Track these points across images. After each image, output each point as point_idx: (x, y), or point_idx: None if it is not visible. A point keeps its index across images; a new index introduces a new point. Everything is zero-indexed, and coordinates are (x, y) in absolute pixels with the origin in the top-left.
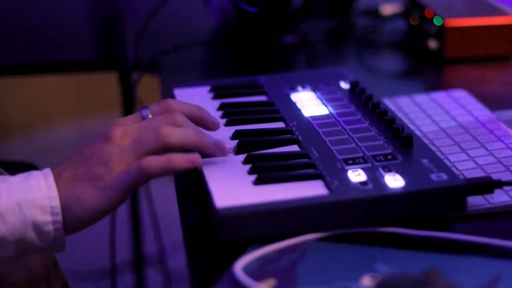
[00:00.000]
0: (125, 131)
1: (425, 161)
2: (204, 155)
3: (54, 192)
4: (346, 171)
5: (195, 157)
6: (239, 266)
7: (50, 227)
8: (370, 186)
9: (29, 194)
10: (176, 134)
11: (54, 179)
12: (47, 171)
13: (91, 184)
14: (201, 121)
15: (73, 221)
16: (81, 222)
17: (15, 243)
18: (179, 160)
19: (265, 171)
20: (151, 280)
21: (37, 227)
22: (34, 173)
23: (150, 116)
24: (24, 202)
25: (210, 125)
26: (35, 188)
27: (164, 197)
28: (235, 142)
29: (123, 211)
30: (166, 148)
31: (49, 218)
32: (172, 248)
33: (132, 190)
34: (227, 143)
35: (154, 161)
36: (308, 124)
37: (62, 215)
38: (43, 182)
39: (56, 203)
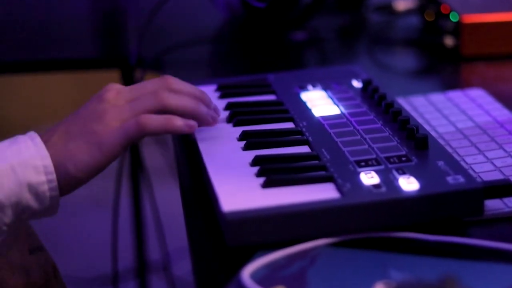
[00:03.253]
0: (119, 92)
1: (441, 163)
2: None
3: (44, 151)
4: (359, 173)
5: (194, 123)
6: (247, 272)
7: (45, 187)
8: (383, 189)
9: (20, 156)
10: (174, 98)
11: (42, 141)
12: (32, 133)
13: (84, 140)
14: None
15: (66, 179)
16: (75, 179)
17: (12, 207)
18: (178, 122)
19: (273, 174)
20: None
21: (32, 188)
22: (20, 137)
23: None
24: (17, 164)
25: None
26: (24, 149)
27: (168, 201)
28: (242, 143)
29: (125, 215)
30: (163, 111)
31: (43, 177)
32: (176, 254)
33: (127, 147)
34: (233, 143)
35: (153, 118)
36: (319, 125)
37: (56, 174)
38: (30, 143)
39: (48, 161)
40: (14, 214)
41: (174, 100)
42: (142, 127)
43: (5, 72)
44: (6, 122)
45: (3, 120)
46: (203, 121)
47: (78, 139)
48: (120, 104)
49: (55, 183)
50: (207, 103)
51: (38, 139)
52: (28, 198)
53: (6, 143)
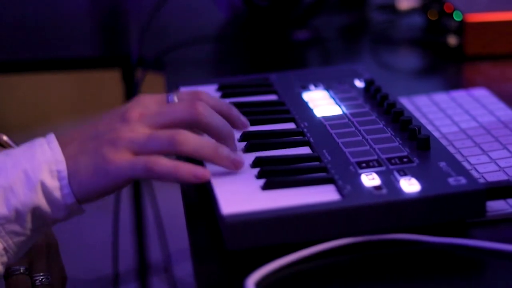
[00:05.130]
0: (143, 115)
1: (442, 164)
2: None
3: (60, 156)
4: (360, 175)
5: (204, 173)
6: (252, 281)
7: (58, 193)
8: (384, 191)
9: (34, 161)
10: (191, 143)
11: (59, 146)
12: (51, 136)
13: (94, 162)
14: (230, 120)
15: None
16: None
17: (30, 213)
18: (186, 172)
19: (274, 175)
20: None
21: (46, 192)
22: (37, 140)
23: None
24: (30, 168)
25: (238, 125)
26: (39, 153)
27: (169, 202)
28: (243, 144)
29: (126, 216)
30: (177, 154)
31: (56, 183)
32: (178, 255)
33: (132, 181)
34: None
35: (161, 164)
36: (320, 125)
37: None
38: (47, 147)
39: (63, 166)
40: (34, 221)
41: (189, 147)
42: (149, 171)
43: (5, 72)
44: (6, 122)
45: (3, 120)
46: (223, 167)
47: (90, 158)
48: (137, 131)
49: (68, 189)
50: (235, 120)
51: (55, 144)
52: (44, 203)
53: (23, 147)
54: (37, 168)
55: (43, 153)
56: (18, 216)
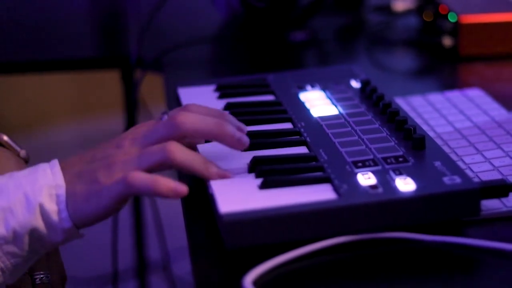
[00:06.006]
0: (134, 139)
1: (437, 163)
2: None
3: (60, 181)
4: (356, 174)
5: (182, 189)
6: (249, 279)
7: (55, 217)
8: (380, 190)
9: (35, 184)
10: (183, 153)
11: (61, 171)
12: (54, 162)
13: (89, 187)
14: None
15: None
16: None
17: (28, 234)
18: (164, 186)
19: (271, 175)
20: (155, 287)
21: (44, 215)
22: (41, 165)
23: None
24: (31, 191)
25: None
26: (41, 177)
27: (168, 200)
28: None
29: (125, 215)
30: (170, 164)
31: (54, 207)
32: (177, 253)
33: (124, 202)
34: None
35: (140, 178)
36: (317, 125)
37: None
38: (49, 172)
39: (62, 191)
40: (32, 243)
41: (180, 157)
42: (129, 186)
43: (5, 72)
44: (6, 122)
45: (3, 120)
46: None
47: (85, 183)
48: (131, 154)
49: (65, 213)
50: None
51: (57, 168)
52: (41, 226)
53: (26, 171)
54: (38, 191)
55: (45, 177)
56: (15, 237)
